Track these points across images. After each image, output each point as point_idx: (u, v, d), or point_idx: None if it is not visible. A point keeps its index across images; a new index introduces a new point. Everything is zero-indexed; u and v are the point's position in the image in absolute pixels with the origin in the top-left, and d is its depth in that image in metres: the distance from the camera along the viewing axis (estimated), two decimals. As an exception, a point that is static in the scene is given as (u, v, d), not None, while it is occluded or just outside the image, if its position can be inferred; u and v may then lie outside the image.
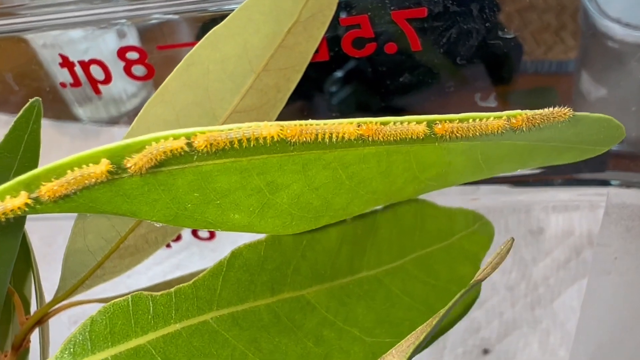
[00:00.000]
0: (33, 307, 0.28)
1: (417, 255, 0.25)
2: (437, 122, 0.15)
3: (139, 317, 0.18)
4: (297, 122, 0.15)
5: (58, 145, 0.46)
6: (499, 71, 0.36)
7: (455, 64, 0.33)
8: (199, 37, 0.33)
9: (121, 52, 0.31)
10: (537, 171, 0.40)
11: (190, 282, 0.19)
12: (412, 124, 0.15)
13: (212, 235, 0.41)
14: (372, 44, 0.31)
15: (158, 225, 0.17)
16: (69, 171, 0.14)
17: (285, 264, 0.22)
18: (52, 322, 0.27)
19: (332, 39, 0.32)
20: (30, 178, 0.14)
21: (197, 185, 0.17)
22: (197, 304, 0.19)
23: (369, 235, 0.24)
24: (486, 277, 0.19)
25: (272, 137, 0.14)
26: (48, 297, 0.27)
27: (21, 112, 0.23)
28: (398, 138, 0.15)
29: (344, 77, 0.35)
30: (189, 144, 0.15)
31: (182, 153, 0.15)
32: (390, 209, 0.25)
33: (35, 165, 0.24)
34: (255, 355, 0.20)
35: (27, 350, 0.28)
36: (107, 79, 0.33)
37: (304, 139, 0.15)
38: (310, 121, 0.15)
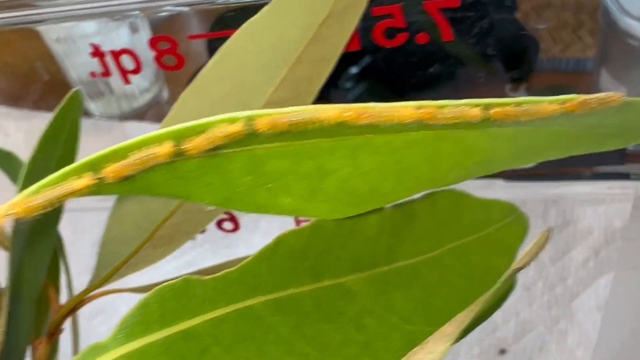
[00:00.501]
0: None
1: (453, 246, 0.26)
2: (493, 105, 0.15)
3: (189, 300, 0.19)
4: (357, 105, 0.15)
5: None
6: (518, 65, 0.36)
7: (486, 55, 0.34)
8: (212, 29, 0.34)
9: (153, 42, 0.32)
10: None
11: (236, 267, 0.20)
12: (467, 107, 0.15)
13: (235, 227, 0.42)
14: (403, 34, 0.32)
15: (208, 209, 0.18)
16: (132, 153, 0.15)
17: (327, 252, 0.22)
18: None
19: (363, 30, 0.32)
20: (96, 159, 0.15)
21: (249, 168, 0.17)
22: (242, 289, 0.20)
23: (406, 225, 0.24)
24: (525, 266, 0.20)
25: (332, 120, 0.15)
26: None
27: (63, 101, 0.23)
28: (454, 121, 0.15)
29: (365, 69, 0.36)
30: (250, 127, 0.15)
31: (242, 136, 0.15)
32: (427, 199, 0.25)
33: (75, 154, 0.25)
34: (299, 341, 0.20)
35: (58, 339, 0.28)
36: (137, 69, 0.33)
37: (363, 122, 0.15)
38: (370, 104, 0.15)
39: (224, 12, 0.35)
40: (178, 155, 0.15)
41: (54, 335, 0.28)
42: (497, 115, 0.15)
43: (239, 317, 0.20)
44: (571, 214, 0.52)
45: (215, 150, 0.16)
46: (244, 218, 0.43)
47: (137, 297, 0.18)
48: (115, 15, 0.36)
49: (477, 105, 0.15)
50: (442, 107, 0.15)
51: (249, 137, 0.16)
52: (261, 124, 0.15)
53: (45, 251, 0.25)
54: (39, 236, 0.24)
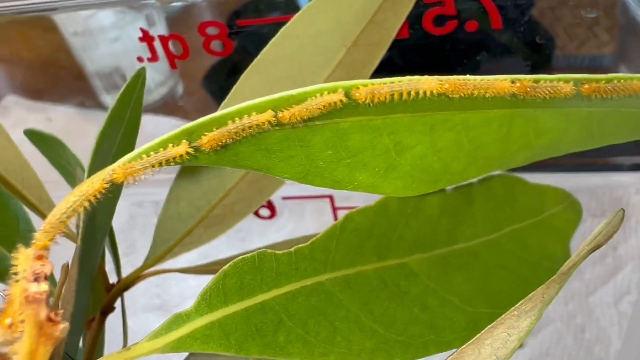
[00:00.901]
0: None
1: (510, 230, 0.26)
2: (585, 81, 0.16)
3: (265, 274, 0.19)
4: (455, 76, 0.15)
5: (84, 133, 0.47)
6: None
7: (534, 43, 0.34)
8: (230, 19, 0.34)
9: (201, 28, 0.32)
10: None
11: (308, 243, 0.20)
12: (561, 83, 0.15)
13: (272, 214, 0.42)
14: (453, 22, 0.32)
15: (287, 183, 0.18)
16: (230, 121, 0.15)
17: (391, 231, 0.22)
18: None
19: (413, 17, 0.32)
20: (194, 127, 0.15)
21: (332, 142, 0.18)
22: (313, 265, 0.20)
23: (465, 207, 0.25)
24: (600, 246, 0.20)
25: (432, 89, 0.15)
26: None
27: (129, 80, 0.24)
28: (547, 97, 0.16)
29: (411, 56, 0.36)
30: (349, 97, 0.15)
31: (340, 105, 0.15)
32: (484, 183, 0.25)
33: (137, 130, 0.25)
34: (367, 317, 0.21)
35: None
36: (185, 54, 0.34)
37: (460, 93, 0.15)
38: (467, 76, 0.15)
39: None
40: (276, 124, 0.15)
41: (105, 314, 0.28)
42: (587, 91, 0.16)
43: (310, 292, 0.20)
44: (588, 206, 0.52)
45: (307, 121, 0.16)
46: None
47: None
48: (132, 2, 0.37)
49: (569, 80, 0.15)
50: (537, 81, 0.15)
51: (345, 107, 0.16)
52: (361, 94, 0.15)
53: (104, 233, 0.26)
54: (99, 217, 0.25)
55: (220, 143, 0.15)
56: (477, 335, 0.18)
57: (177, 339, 0.17)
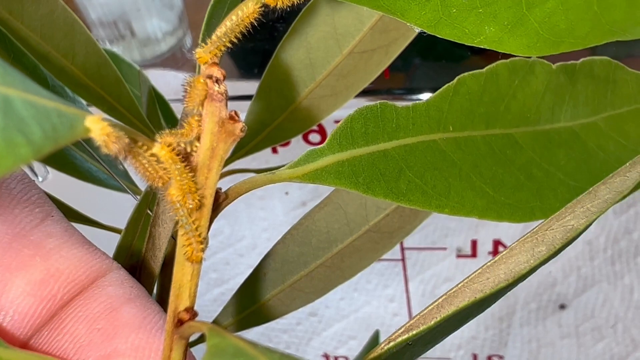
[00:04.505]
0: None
1: (609, 115, 0.27)
2: None
3: (386, 124, 0.21)
4: None
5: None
6: None
7: None
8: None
9: None
10: None
11: (424, 100, 0.22)
12: None
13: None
14: None
15: (417, 30, 0.20)
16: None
17: (499, 100, 0.24)
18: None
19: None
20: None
21: (469, -14, 0.19)
22: (428, 122, 0.22)
23: (568, 86, 0.26)
24: None
25: None
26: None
27: None
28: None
29: None
30: None
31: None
32: (586, 64, 0.27)
33: None
34: (478, 178, 0.22)
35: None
36: None
37: None
38: None
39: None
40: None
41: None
42: None
43: (426, 149, 0.22)
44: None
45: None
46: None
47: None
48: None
49: None
50: None
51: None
52: None
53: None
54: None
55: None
56: (587, 190, 0.20)
57: (314, 170, 0.18)
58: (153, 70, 0.50)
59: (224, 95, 0.15)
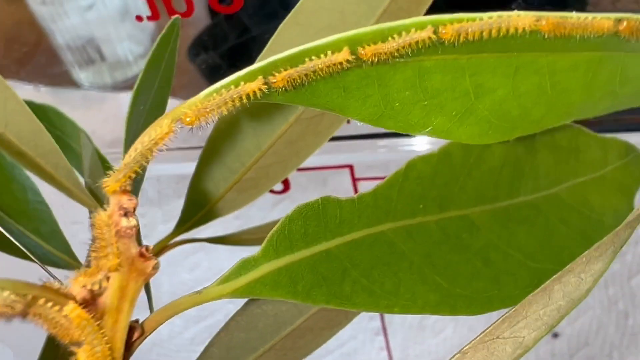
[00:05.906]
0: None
1: (572, 184, 0.27)
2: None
3: (329, 220, 0.20)
4: (553, 13, 0.16)
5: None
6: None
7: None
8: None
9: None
10: None
11: (371, 190, 0.21)
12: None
13: (286, 188, 0.43)
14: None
15: (359, 125, 0.19)
16: (309, 59, 0.15)
17: (453, 181, 0.23)
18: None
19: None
20: (268, 65, 0.15)
21: (411, 82, 0.18)
22: (376, 213, 0.21)
23: (527, 159, 0.25)
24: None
25: (525, 27, 0.16)
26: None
27: (164, 31, 0.24)
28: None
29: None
30: (437, 34, 0.16)
31: (428, 44, 0.16)
32: (547, 134, 0.26)
33: (171, 78, 0.25)
34: (431, 270, 0.22)
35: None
36: (189, 11, 0.33)
37: (557, 32, 0.16)
38: (565, 13, 0.16)
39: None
40: (355, 61, 0.16)
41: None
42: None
43: (373, 242, 0.21)
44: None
45: (389, 58, 0.17)
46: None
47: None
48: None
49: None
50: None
51: (432, 46, 0.16)
52: (448, 31, 0.16)
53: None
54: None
55: (295, 81, 0.16)
56: (543, 285, 0.19)
57: (247, 284, 0.17)
58: (125, 93, 0.49)
59: (134, 229, 0.14)
